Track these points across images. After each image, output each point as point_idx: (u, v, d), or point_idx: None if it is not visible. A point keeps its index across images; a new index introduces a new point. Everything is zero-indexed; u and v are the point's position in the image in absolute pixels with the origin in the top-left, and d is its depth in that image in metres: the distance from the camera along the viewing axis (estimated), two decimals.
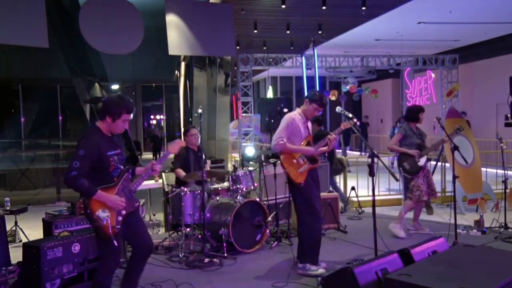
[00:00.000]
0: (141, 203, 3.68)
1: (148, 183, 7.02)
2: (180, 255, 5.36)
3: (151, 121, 25.72)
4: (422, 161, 6.04)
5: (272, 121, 10.12)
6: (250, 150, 7.72)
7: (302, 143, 4.79)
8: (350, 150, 18.77)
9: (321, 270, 4.71)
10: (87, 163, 3.29)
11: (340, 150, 14.77)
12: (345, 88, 16.40)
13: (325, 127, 13.10)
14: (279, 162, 5.74)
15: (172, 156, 6.32)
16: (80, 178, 3.26)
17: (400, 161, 6.16)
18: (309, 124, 4.97)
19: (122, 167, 3.54)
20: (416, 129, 6.22)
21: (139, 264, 3.73)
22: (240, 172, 5.99)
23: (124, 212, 3.47)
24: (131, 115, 3.51)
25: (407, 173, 6.07)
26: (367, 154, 4.48)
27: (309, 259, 4.74)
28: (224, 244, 5.41)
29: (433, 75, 15.39)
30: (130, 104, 3.49)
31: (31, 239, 5.52)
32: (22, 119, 19.21)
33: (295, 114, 4.87)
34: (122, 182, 3.51)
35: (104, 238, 3.39)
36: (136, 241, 3.64)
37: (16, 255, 4.68)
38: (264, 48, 14.84)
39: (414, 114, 6.21)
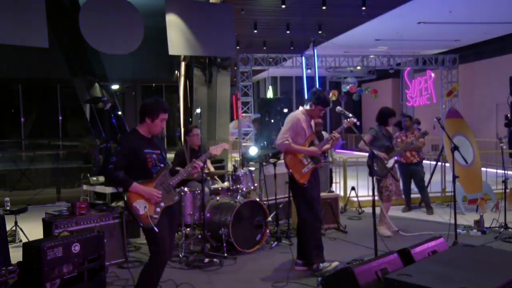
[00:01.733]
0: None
1: None
2: (180, 255, 5.36)
3: None
4: (390, 163, 6.11)
5: (272, 121, 10.12)
6: (253, 150, 7.70)
7: (306, 142, 4.80)
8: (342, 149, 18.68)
9: (335, 263, 4.75)
10: (123, 158, 3.63)
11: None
12: (345, 88, 16.40)
13: (325, 127, 13.10)
14: (279, 162, 5.75)
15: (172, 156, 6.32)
16: (116, 171, 3.60)
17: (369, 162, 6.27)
18: (313, 122, 4.98)
19: (162, 165, 3.81)
20: (386, 132, 6.35)
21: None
22: (240, 172, 5.99)
23: (162, 204, 3.70)
24: (167, 114, 3.81)
25: (377, 175, 6.12)
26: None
27: (317, 258, 4.77)
28: (224, 244, 5.41)
29: (433, 75, 15.39)
30: (165, 104, 3.83)
31: (31, 239, 5.51)
32: (22, 119, 19.17)
33: (299, 114, 4.87)
34: (160, 177, 3.76)
35: (145, 227, 3.63)
36: None
37: (16, 255, 4.68)
38: (264, 48, 14.84)
39: (385, 118, 6.33)
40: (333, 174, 8.46)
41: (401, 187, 6.53)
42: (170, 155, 6.54)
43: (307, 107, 4.87)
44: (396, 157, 7.66)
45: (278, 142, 4.79)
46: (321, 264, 4.74)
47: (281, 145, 4.77)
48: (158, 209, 3.67)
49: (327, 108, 4.92)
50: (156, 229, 3.60)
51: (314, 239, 4.78)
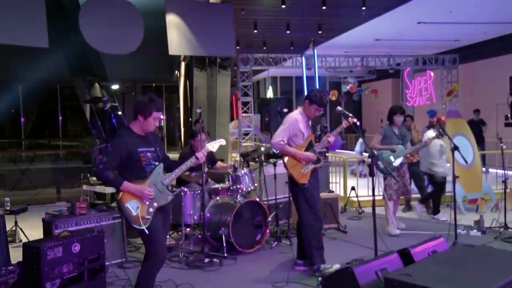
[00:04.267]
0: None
1: None
2: (180, 255, 5.37)
3: None
4: (397, 162, 6.10)
5: (272, 121, 10.13)
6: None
7: (304, 143, 4.80)
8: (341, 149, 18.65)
9: (336, 265, 4.74)
10: (114, 158, 3.58)
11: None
12: (345, 88, 16.39)
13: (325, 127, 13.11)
14: (279, 162, 5.74)
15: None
16: (106, 171, 3.54)
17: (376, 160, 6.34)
18: (311, 123, 4.98)
19: (156, 163, 3.74)
20: (398, 131, 6.29)
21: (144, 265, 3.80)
22: (240, 172, 5.99)
23: (155, 204, 3.65)
24: (161, 113, 3.75)
25: (381, 172, 6.17)
26: None
27: (318, 259, 4.77)
28: (224, 244, 5.41)
29: (432, 74, 15.39)
30: (159, 102, 3.73)
31: (31, 239, 5.51)
32: (22, 119, 19.18)
33: (297, 114, 4.87)
34: (154, 176, 3.69)
35: (137, 228, 3.59)
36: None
37: (16, 255, 4.68)
38: (264, 48, 14.84)
39: (390, 116, 6.30)
40: (332, 174, 8.46)
41: (408, 186, 6.46)
42: (171, 155, 6.56)
43: (303, 106, 4.87)
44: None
45: (273, 142, 4.80)
46: (322, 265, 4.73)
47: (275, 145, 4.77)
48: (151, 210, 3.63)
49: (323, 108, 4.86)
50: (146, 231, 3.56)
51: (315, 240, 4.78)
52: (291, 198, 5.34)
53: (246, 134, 13.38)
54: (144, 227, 3.56)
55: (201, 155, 3.89)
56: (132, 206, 3.57)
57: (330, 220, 6.56)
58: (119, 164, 3.62)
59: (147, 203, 3.62)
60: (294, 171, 4.75)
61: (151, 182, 3.67)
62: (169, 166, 3.90)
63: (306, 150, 4.80)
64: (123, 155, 3.59)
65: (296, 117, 4.83)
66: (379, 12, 11.18)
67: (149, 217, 3.60)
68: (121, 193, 3.58)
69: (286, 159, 4.80)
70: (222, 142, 4.20)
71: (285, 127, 4.80)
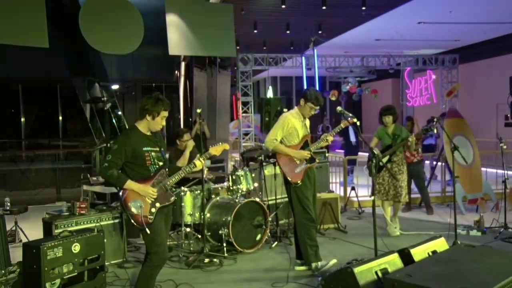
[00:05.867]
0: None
1: None
2: (180, 255, 5.37)
3: None
4: (384, 160, 5.98)
5: (272, 121, 10.14)
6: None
7: (300, 143, 4.80)
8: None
9: (333, 261, 4.75)
10: (119, 156, 3.59)
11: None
12: (345, 88, 16.38)
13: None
14: None
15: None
16: (110, 169, 3.55)
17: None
18: (307, 122, 4.98)
19: (160, 163, 3.75)
20: (392, 130, 6.17)
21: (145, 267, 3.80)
22: (240, 172, 5.99)
23: (158, 204, 3.66)
24: (167, 112, 3.75)
25: (368, 173, 6.06)
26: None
27: (314, 258, 4.77)
28: (224, 244, 5.41)
29: (433, 76, 15.39)
30: (166, 102, 3.75)
31: (31, 239, 5.51)
32: (22, 119, 19.16)
33: (292, 114, 4.88)
34: (157, 176, 3.71)
35: (139, 227, 3.61)
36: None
37: (16, 255, 4.69)
38: (264, 48, 14.84)
39: (379, 117, 6.26)
40: (332, 174, 8.43)
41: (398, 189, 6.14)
42: None
43: (300, 105, 4.86)
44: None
45: (266, 140, 4.81)
46: (319, 263, 4.74)
47: (269, 143, 4.79)
48: (153, 209, 3.64)
49: (318, 107, 4.82)
50: (147, 230, 3.58)
51: (309, 239, 4.78)
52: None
53: (246, 134, 13.36)
54: (145, 227, 3.58)
55: (199, 163, 3.88)
56: (135, 205, 3.58)
57: (330, 220, 6.56)
58: (123, 162, 3.63)
59: (150, 202, 3.63)
60: (287, 170, 4.76)
61: (154, 183, 3.68)
62: (170, 169, 3.91)
63: (302, 149, 4.80)
64: (128, 154, 3.61)
65: (291, 116, 4.85)
66: (379, 12, 11.19)
67: (151, 217, 3.62)
68: (126, 191, 3.60)
69: (279, 157, 4.81)
70: (226, 146, 4.17)
71: (279, 125, 4.82)
